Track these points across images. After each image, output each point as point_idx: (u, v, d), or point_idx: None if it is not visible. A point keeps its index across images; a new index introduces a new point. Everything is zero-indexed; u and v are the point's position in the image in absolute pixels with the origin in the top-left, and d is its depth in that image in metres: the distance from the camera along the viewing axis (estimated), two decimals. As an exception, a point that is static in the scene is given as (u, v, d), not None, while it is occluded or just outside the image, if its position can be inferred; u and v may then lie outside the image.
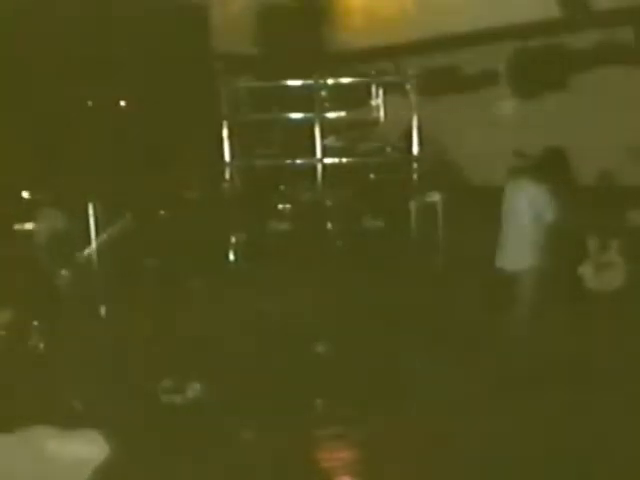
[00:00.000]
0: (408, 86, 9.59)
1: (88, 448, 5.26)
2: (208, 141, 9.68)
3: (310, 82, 9.64)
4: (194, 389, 6.75)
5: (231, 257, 9.42)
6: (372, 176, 9.83)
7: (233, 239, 9.42)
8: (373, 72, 10.27)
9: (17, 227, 8.93)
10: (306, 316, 8.44)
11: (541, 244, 7.36)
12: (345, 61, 11.21)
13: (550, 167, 7.57)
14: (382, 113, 10.15)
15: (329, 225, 9.52)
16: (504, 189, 7.63)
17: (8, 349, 7.71)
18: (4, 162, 8.99)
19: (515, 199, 7.48)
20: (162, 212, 9.61)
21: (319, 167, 9.56)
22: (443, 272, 9.14)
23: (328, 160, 9.57)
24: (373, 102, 10.18)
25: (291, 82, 9.67)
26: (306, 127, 9.60)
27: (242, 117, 9.63)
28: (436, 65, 10.91)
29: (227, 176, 9.60)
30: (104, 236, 8.63)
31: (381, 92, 10.15)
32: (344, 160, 9.64)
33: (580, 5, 9.72)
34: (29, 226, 8.91)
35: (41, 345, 7.78)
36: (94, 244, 8.66)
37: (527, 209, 7.35)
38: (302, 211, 9.62)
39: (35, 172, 9.20)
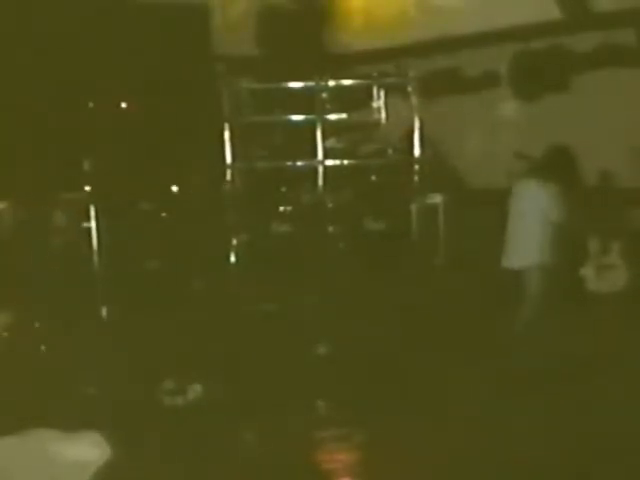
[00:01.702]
0: (409, 88, 9.57)
1: (90, 450, 5.25)
2: (209, 143, 9.67)
3: (311, 84, 9.62)
4: (195, 390, 6.75)
5: (232, 259, 9.41)
6: (373, 178, 9.81)
7: (234, 241, 9.41)
8: (374, 74, 10.24)
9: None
10: (307, 318, 8.45)
11: (547, 245, 7.33)
12: (346, 63, 11.21)
13: (557, 167, 7.53)
14: (383, 115, 10.13)
15: (330, 227, 9.51)
16: (510, 190, 7.61)
17: (9, 350, 7.71)
18: (5, 163, 8.99)
19: (522, 199, 7.45)
20: (163, 214, 9.61)
21: (320, 169, 9.54)
22: (445, 274, 9.14)
23: (329, 162, 9.55)
24: (374, 104, 10.16)
25: (292, 84, 9.66)
26: (307, 129, 9.58)
27: (243, 119, 9.62)
28: (437, 67, 10.92)
29: (228, 178, 9.59)
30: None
31: (382, 94, 10.13)
32: (345, 162, 9.62)
33: (581, 7, 9.73)
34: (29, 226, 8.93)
35: (42, 347, 7.78)
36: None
37: (534, 210, 7.32)
38: (303, 213, 9.61)
39: (36, 172, 9.19)
